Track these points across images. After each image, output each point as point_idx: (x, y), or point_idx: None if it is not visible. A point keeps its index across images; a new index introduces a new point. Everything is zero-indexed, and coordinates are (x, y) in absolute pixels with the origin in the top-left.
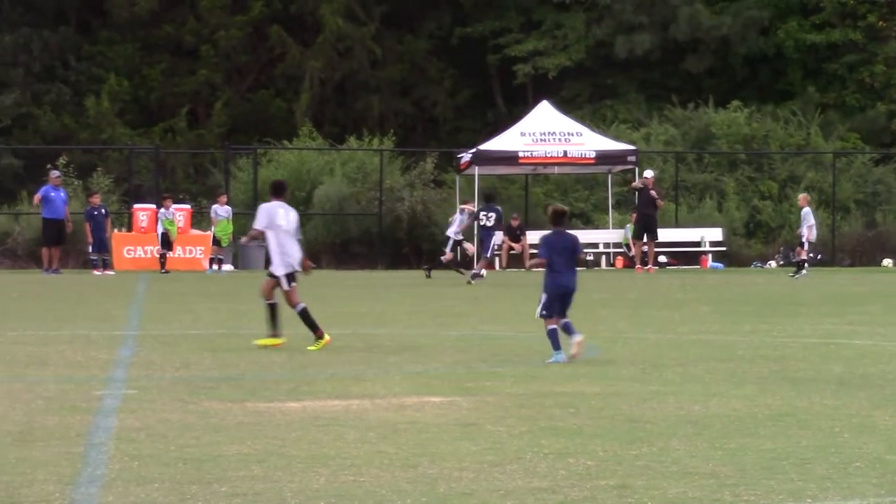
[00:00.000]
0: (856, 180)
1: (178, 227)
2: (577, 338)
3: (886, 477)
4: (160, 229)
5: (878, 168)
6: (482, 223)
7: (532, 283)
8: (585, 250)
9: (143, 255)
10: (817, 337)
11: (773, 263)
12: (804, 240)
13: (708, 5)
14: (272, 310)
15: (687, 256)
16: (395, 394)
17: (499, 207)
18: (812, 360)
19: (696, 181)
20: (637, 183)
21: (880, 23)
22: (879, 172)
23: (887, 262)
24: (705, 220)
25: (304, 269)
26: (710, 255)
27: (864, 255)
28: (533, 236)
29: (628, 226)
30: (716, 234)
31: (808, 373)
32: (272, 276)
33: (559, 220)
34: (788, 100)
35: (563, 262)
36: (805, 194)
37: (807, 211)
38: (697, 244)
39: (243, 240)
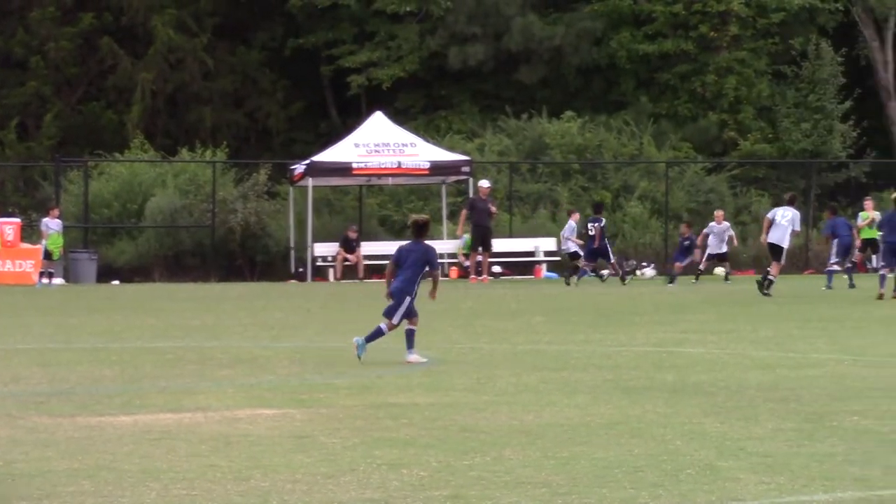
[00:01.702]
0: (688, 189)
1: (8, 241)
2: (357, 351)
3: (717, 483)
4: None
5: (710, 177)
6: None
7: (367, 295)
8: None
9: None
10: (650, 345)
11: (606, 273)
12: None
13: (541, 16)
14: None
15: (521, 266)
16: (227, 406)
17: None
18: (644, 369)
19: (529, 191)
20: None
21: (712, 33)
22: (712, 181)
23: (719, 270)
24: (539, 231)
25: None
26: (543, 265)
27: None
28: (368, 248)
29: (465, 236)
30: (550, 243)
31: (641, 381)
32: None
33: (417, 231)
34: (621, 110)
35: (405, 269)
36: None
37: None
38: (531, 254)
39: None
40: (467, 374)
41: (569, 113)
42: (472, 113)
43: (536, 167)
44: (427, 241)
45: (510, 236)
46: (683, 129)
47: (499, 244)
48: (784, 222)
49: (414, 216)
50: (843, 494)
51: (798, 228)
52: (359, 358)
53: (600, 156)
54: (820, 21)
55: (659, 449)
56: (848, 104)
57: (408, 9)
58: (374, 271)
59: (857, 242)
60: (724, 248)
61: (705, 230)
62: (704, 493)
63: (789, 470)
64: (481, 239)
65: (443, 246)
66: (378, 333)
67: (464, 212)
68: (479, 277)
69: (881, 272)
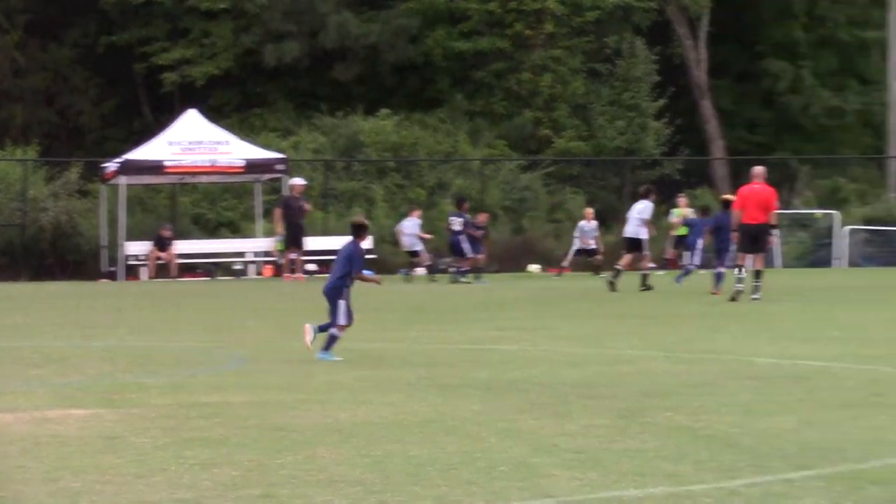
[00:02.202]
0: (503, 187)
1: None
2: (308, 336)
3: (530, 480)
4: None
5: (525, 175)
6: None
7: (180, 293)
8: (232, 259)
9: None
10: (465, 343)
11: (419, 270)
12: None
13: (356, 14)
14: None
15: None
16: (37, 407)
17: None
18: (459, 366)
19: (344, 189)
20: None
21: (527, 31)
22: (527, 179)
23: (534, 267)
24: None
25: None
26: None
27: (512, 260)
28: (181, 246)
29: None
30: (365, 241)
31: (456, 379)
32: None
33: (354, 231)
34: (437, 107)
35: (334, 269)
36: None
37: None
38: None
39: None
40: (281, 372)
41: (384, 111)
42: (287, 110)
43: (351, 165)
44: (358, 242)
45: (325, 234)
46: (499, 126)
47: (314, 242)
48: (638, 215)
49: (353, 218)
50: (655, 490)
51: (647, 217)
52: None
53: (416, 153)
54: (635, 20)
55: (473, 446)
56: (662, 102)
57: (222, 6)
58: (186, 270)
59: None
60: (593, 245)
61: (577, 230)
62: (517, 490)
63: (602, 466)
64: (294, 237)
65: (257, 244)
66: (332, 341)
67: (278, 210)
68: (294, 276)
69: (718, 270)
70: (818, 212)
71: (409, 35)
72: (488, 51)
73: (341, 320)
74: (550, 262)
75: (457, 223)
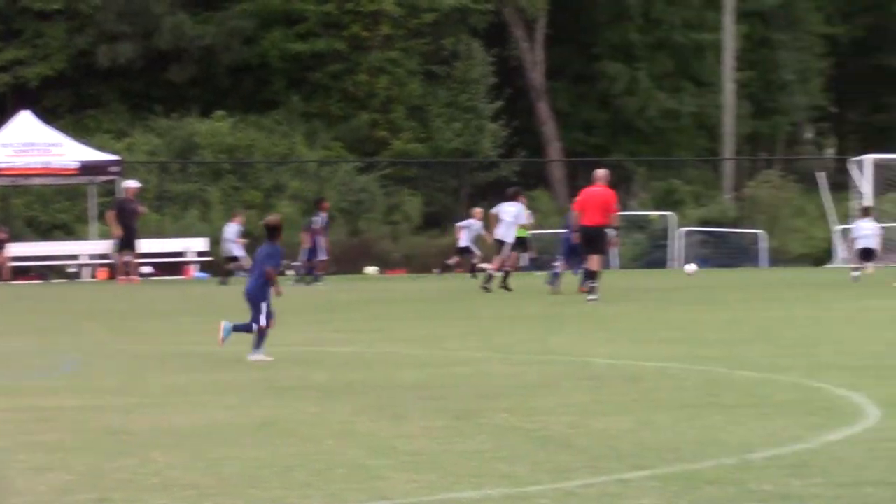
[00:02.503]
0: (340, 189)
1: None
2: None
3: (367, 482)
4: None
5: (361, 176)
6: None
7: (13, 297)
8: (67, 262)
9: None
10: (302, 345)
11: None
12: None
13: (192, 15)
14: None
15: (171, 267)
16: None
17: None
18: (296, 369)
19: (180, 191)
20: None
21: (364, 33)
22: (363, 181)
23: (371, 269)
24: (189, 231)
25: None
26: (194, 266)
27: (349, 262)
28: (15, 249)
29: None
30: (200, 244)
31: (293, 381)
32: None
33: (269, 233)
34: (273, 109)
35: (253, 271)
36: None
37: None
38: (181, 254)
39: None
40: (116, 375)
41: (220, 112)
42: (122, 112)
43: (187, 167)
44: (274, 242)
45: (160, 236)
46: (335, 128)
47: (149, 244)
48: (509, 218)
49: (266, 219)
50: (492, 491)
51: (523, 221)
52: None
53: (252, 155)
54: (471, 22)
55: (310, 448)
56: (499, 104)
57: (55, 7)
58: (20, 273)
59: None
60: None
61: (463, 224)
62: (354, 492)
63: (439, 467)
64: (128, 240)
65: (91, 246)
66: (261, 339)
67: (111, 212)
68: (128, 278)
69: (556, 270)
70: (654, 213)
71: (245, 36)
72: (325, 52)
73: (263, 321)
74: (388, 264)
75: (318, 222)
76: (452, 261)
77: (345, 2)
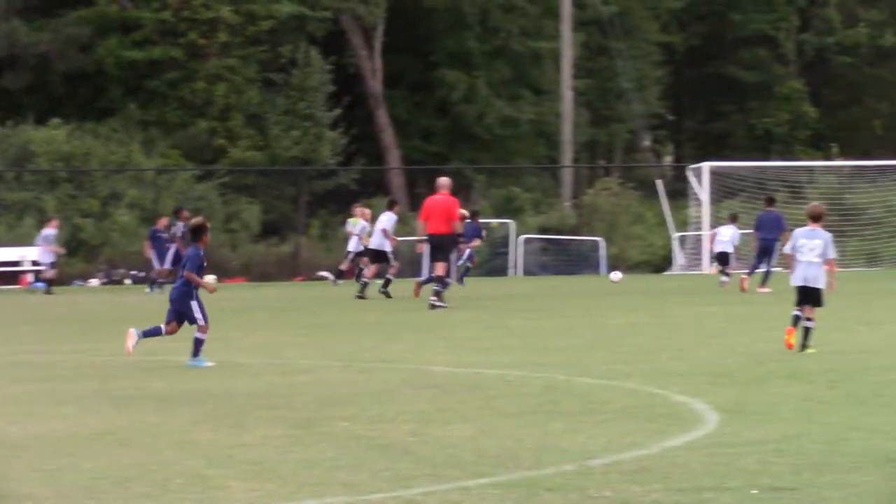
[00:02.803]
0: (178, 197)
1: None
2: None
3: (207, 492)
4: None
5: (199, 185)
6: None
7: None
8: None
9: None
10: (140, 354)
11: (95, 281)
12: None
13: (26, 21)
14: None
15: (6, 276)
16: None
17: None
18: (134, 378)
19: (15, 199)
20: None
21: (201, 40)
22: (202, 189)
23: (210, 278)
24: (25, 239)
25: None
26: (30, 275)
27: None
28: None
29: None
30: (36, 253)
31: (130, 391)
32: None
33: (193, 234)
34: (109, 117)
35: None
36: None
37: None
38: (17, 263)
39: None
40: None
41: (55, 120)
42: None
43: (22, 175)
44: (198, 244)
45: None
46: (173, 136)
47: None
48: (382, 226)
49: (192, 221)
50: (333, 499)
51: (387, 228)
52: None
53: (88, 163)
54: (309, 29)
55: (148, 458)
56: (337, 112)
57: None
58: None
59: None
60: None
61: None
62: (193, 502)
63: (279, 476)
64: None
65: None
66: (198, 345)
67: None
68: None
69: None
70: (494, 221)
71: (81, 44)
72: (161, 60)
73: (201, 321)
74: (226, 273)
75: (178, 231)
76: (344, 266)
77: (181, 9)
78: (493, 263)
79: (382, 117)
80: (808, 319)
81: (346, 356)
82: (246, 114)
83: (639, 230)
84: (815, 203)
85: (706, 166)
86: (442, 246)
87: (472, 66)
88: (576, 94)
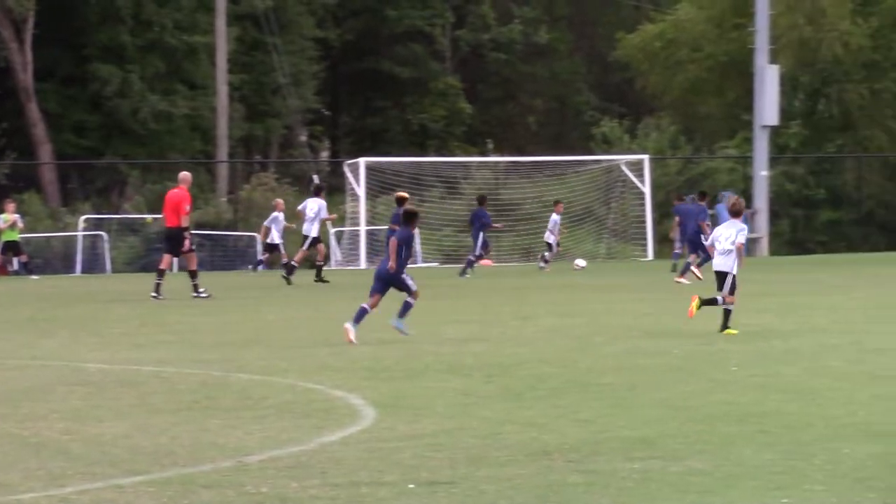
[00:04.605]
0: None
1: None
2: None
3: None
4: None
5: None
6: None
7: None
8: None
9: None
10: None
11: None
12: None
13: None
14: None
15: None
16: None
17: None
18: None
19: None
20: None
21: None
22: None
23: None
24: None
25: None
26: None
27: None
28: None
29: None
30: None
31: None
32: None
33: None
34: None
35: None
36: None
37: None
38: None
39: None
40: None
41: None
42: None
43: None
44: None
45: None
46: None
47: None
48: (311, 213)
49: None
50: None
51: (325, 216)
52: None
53: None
54: None
55: None
56: None
57: None
58: None
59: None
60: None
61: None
62: None
63: None
64: None
65: None
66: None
67: None
68: None
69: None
70: (149, 217)
71: None
72: None
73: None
74: None
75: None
76: (264, 256)
77: None
78: (149, 259)
79: (33, 111)
80: (724, 302)
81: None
82: None
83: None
84: (735, 198)
85: (362, 161)
86: (170, 238)
87: (126, 59)
88: (231, 88)
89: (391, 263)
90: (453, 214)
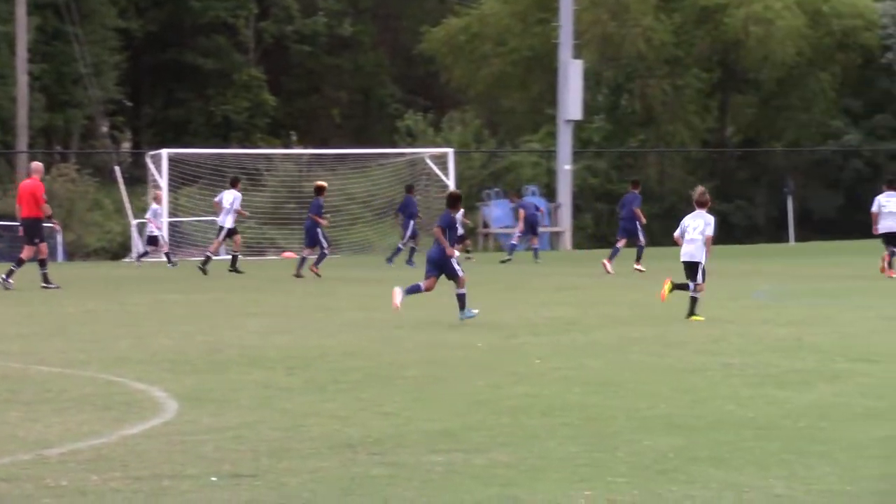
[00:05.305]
0: None
1: None
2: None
3: None
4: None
5: None
6: None
7: None
8: None
9: None
10: None
11: None
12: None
13: None
14: None
15: None
16: None
17: None
18: None
19: None
20: None
21: None
22: None
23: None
24: None
25: None
26: None
27: None
28: None
29: None
30: None
31: None
32: None
33: None
34: None
35: None
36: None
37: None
38: None
39: None
40: None
41: None
42: None
43: None
44: None
45: None
46: None
47: None
48: (227, 204)
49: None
50: None
51: (238, 207)
52: None
53: None
54: None
55: None
56: None
57: None
58: None
59: None
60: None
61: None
62: None
63: None
64: None
65: None
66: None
67: None
68: None
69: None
70: None
71: None
72: None
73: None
74: None
75: None
76: (149, 248)
77: None
78: None
79: None
80: (694, 290)
81: None
82: None
83: (96, 217)
84: (702, 190)
85: (165, 153)
86: (29, 229)
87: None
88: (31, 78)
89: (448, 249)
90: (255, 206)
